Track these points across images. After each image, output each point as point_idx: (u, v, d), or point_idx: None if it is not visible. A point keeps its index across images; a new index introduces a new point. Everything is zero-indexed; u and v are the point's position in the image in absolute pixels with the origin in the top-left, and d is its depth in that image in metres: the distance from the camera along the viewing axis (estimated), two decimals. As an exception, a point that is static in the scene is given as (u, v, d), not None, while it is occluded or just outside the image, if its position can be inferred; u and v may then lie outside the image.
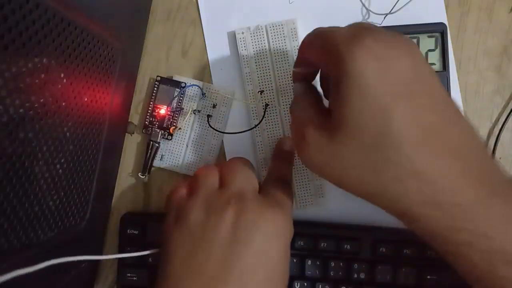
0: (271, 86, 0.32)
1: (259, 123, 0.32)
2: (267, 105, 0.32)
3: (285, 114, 0.32)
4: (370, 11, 0.32)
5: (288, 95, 0.32)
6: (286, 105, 0.32)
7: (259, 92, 0.32)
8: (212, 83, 0.33)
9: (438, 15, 0.32)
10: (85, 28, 0.23)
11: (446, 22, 0.31)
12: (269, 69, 0.32)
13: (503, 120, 0.32)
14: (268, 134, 0.32)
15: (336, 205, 0.33)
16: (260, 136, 0.32)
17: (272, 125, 0.32)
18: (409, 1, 0.31)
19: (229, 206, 0.24)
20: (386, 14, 0.31)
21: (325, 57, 0.21)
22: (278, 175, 0.29)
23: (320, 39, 0.22)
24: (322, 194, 0.32)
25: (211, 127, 0.32)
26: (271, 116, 0.32)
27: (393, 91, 0.19)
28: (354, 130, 0.20)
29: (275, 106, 0.32)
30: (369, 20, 0.32)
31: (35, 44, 0.19)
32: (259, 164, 0.33)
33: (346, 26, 0.21)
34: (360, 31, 0.20)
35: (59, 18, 0.20)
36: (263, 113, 0.32)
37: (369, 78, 0.19)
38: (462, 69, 0.32)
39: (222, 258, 0.23)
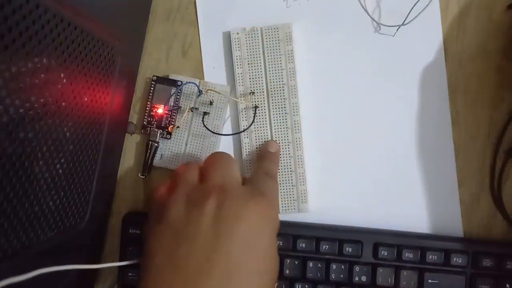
0: (262, 89, 0.32)
1: (250, 125, 0.32)
2: (256, 107, 0.32)
3: (273, 117, 0.32)
4: (376, 21, 0.32)
5: (278, 99, 0.32)
6: (276, 108, 0.32)
7: (250, 94, 0.32)
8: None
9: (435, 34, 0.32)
10: (85, 28, 0.23)
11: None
12: (261, 71, 0.32)
13: (505, 120, 0.32)
14: (256, 136, 0.32)
15: (337, 207, 0.33)
16: (247, 137, 0.32)
17: (260, 127, 0.32)
18: (412, 8, 0.31)
19: (209, 198, 0.23)
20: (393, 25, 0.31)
21: None
22: (263, 170, 0.29)
23: None
24: (304, 200, 0.32)
25: (205, 126, 0.32)
26: (259, 119, 0.32)
27: None
28: None
29: (264, 109, 0.32)
30: (366, 23, 0.32)
31: (35, 44, 0.19)
32: (244, 165, 0.33)
33: None
34: None
35: (59, 18, 0.20)
36: (253, 115, 0.32)
37: None
38: (462, 69, 0.32)
39: (205, 252, 0.22)
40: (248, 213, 0.23)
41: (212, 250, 0.22)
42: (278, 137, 0.32)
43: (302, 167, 0.32)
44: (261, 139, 0.32)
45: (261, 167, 0.29)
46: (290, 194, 0.32)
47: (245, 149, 0.33)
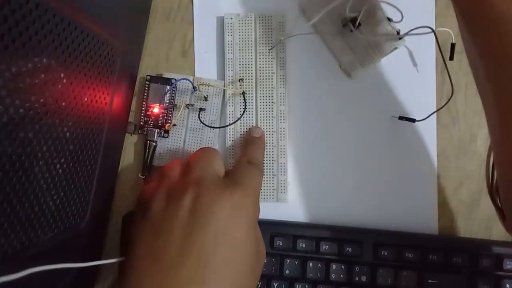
0: (251, 76, 0.32)
1: (243, 113, 0.32)
2: (244, 93, 0.32)
3: (260, 105, 0.32)
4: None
5: (266, 87, 0.32)
6: (263, 96, 0.32)
7: (240, 80, 0.32)
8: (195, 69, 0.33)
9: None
10: (85, 28, 0.23)
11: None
12: (251, 58, 0.32)
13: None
14: (241, 124, 0.33)
15: (337, 207, 0.33)
16: (232, 125, 0.33)
17: (246, 115, 0.32)
18: None
19: (186, 192, 0.24)
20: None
21: None
22: (246, 158, 0.29)
23: None
24: (284, 190, 0.32)
25: (202, 122, 0.32)
26: (246, 106, 0.32)
27: None
28: None
29: (252, 96, 0.32)
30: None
31: (35, 44, 0.19)
32: (227, 151, 0.33)
33: None
34: None
35: (59, 18, 0.20)
36: (241, 102, 0.32)
37: None
38: (462, 69, 0.32)
39: (181, 243, 0.23)
40: (221, 204, 0.24)
41: (186, 241, 0.23)
42: (263, 125, 0.32)
43: (284, 157, 0.32)
44: (246, 126, 0.33)
45: (244, 155, 0.30)
46: (270, 184, 0.32)
47: (230, 136, 0.33)
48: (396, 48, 0.31)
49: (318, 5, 0.31)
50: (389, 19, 0.31)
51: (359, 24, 0.30)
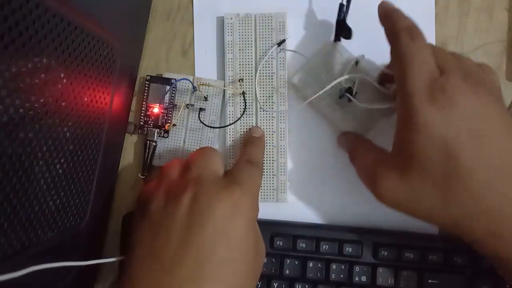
0: (251, 76, 0.32)
1: (243, 113, 0.32)
2: (244, 93, 0.32)
3: (260, 104, 0.32)
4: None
5: (266, 87, 0.32)
6: (264, 96, 0.32)
7: (239, 80, 0.32)
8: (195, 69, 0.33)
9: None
10: (85, 28, 0.23)
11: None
12: (251, 58, 0.32)
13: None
14: (241, 124, 0.33)
15: (337, 207, 0.33)
16: (232, 125, 0.33)
17: (246, 115, 0.32)
18: None
19: (185, 191, 0.25)
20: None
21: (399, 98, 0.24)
22: (246, 158, 0.29)
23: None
24: (284, 190, 0.32)
25: (202, 122, 0.32)
26: (246, 105, 0.32)
27: (457, 134, 0.21)
28: (425, 170, 0.22)
29: (252, 97, 0.32)
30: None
31: (35, 44, 0.19)
32: (227, 151, 0.33)
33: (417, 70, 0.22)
34: (434, 86, 0.22)
35: (59, 18, 0.20)
36: (241, 102, 0.32)
37: (435, 126, 0.21)
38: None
39: (180, 242, 0.23)
40: (220, 203, 0.24)
41: (185, 240, 0.23)
42: (263, 125, 0.32)
43: (284, 157, 0.32)
44: (246, 126, 0.32)
45: (244, 154, 0.30)
46: (270, 184, 0.32)
47: (230, 136, 0.33)
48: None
49: (312, 83, 0.31)
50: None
51: (356, 92, 0.30)
